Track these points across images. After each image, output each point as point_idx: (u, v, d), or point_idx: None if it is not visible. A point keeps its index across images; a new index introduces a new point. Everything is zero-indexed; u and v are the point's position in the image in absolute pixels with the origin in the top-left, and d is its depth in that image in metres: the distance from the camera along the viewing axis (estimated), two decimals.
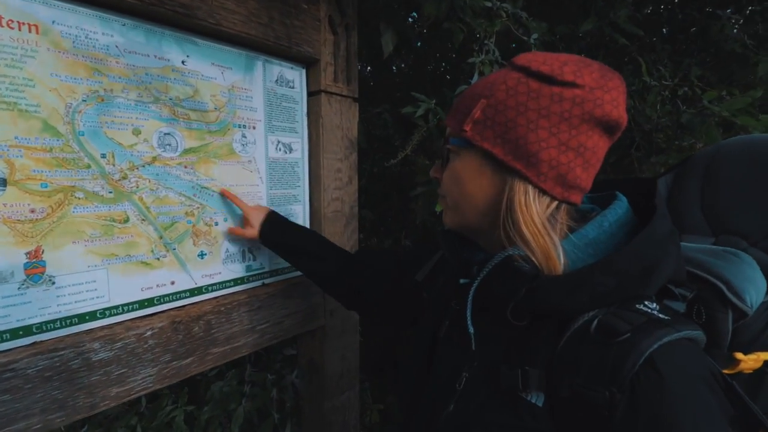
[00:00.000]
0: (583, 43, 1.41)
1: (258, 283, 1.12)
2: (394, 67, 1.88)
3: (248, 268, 1.10)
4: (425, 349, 0.63)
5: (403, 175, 2.17)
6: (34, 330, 0.76)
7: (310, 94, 1.21)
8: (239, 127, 1.05)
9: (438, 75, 1.81)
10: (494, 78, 0.51)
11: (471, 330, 0.51)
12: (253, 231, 0.99)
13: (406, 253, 0.85)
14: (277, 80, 1.12)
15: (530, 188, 0.48)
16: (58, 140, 0.76)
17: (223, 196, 1.01)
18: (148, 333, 0.86)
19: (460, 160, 0.53)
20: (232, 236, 1.04)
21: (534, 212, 0.47)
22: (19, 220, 0.73)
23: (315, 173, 1.22)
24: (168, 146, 0.92)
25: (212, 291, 1.02)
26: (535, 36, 1.06)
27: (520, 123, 0.47)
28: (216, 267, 1.03)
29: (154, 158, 0.90)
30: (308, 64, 1.19)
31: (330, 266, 0.93)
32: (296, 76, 1.17)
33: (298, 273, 1.22)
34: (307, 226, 1.24)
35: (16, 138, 0.72)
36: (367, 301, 0.88)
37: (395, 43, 1.16)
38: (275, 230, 0.99)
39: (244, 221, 1.03)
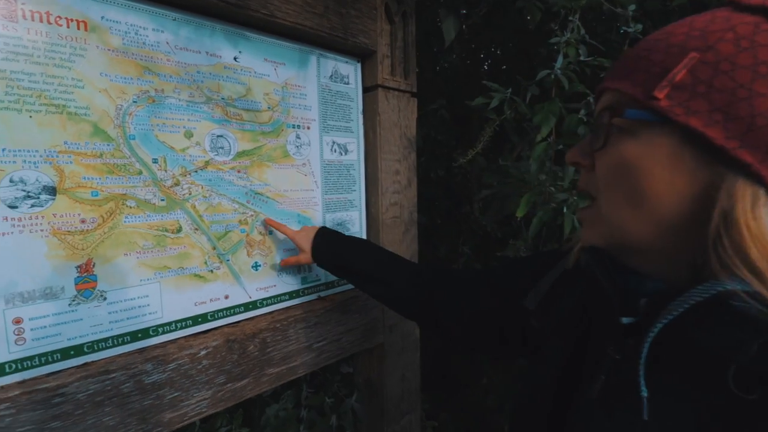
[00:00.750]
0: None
1: (313, 297, 1.03)
2: (444, 61, 1.76)
3: (303, 280, 1.01)
4: (548, 405, 0.47)
5: (457, 177, 2.03)
6: (86, 349, 0.70)
7: (365, 89, 1.11)
8: (293, 128, 0.97)
9: (502, 63, 1.66)
10: (706, 23, 0.35)
11: (644, 393, 0.35)
12: (306, 255, 0.89)
13: (503, 270, 0.69)
14: (331, 76, 1.04)
15: (763, 193, 0.31)
16: (108, 145, 0.71)
17: (268, 224, 0.93)
18: (202, 353, 0.79)
19: (637, 142, 0.36)
20: (288, 266, 0.96)
21: None
22: (69, 232, 0.67)
23: (372, 176, 1.12)
24: (221, 149, 0.85)
25: (267, 305, 0.94)
26: (632, 8, 0.90)
27: (760, 92, 0.31)
28: (271, 279, 0.95)
29: (207, 162, 0.83)
30: (363, 57, 1.10)
31: (398, 286, 0.80)
32: (351, 70, 1.08)
33: None
34: (364, 234, 1.14)
35: (65, 143, 0.67)
36: (446, 325, 0.74)
37: (458, 29, 1.03)
38: (329, 250, 0.88)
39: (297, 247, 0.93)
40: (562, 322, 0.53)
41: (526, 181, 1.01)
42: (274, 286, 0.95)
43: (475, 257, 1.75)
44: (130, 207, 0.73)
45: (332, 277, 1.07)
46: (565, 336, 0.51)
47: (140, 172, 0.74)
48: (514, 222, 1.74)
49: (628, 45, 0.98)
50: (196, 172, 0.81)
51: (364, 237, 1.14)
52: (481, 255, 1.77)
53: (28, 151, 0.63)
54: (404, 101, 1.15)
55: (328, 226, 1.04)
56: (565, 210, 0.87)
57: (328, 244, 0.89)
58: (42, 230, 0.65)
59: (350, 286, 1.11)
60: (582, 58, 0.91)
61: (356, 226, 1.12)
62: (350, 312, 1.05)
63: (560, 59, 0.90)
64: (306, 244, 0.89)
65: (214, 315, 0.86)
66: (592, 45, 0.95)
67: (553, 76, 0.93)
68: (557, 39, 0.91)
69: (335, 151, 1.06)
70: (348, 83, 1.08)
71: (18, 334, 0.64)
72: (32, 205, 0.64)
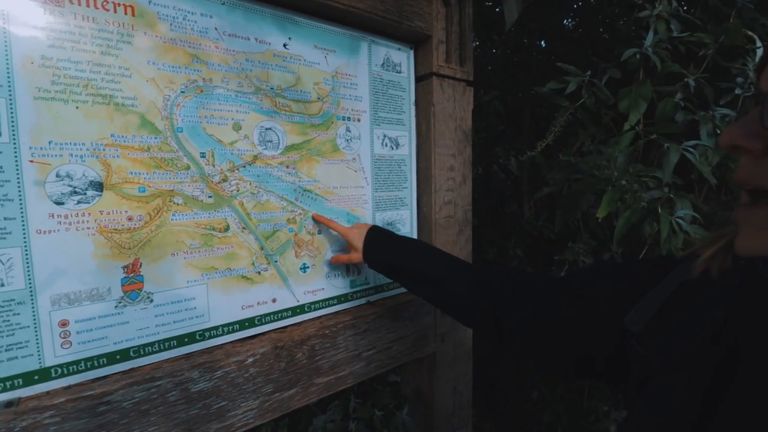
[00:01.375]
0: None
1: (362, 301, 0.97)
2: (497, 48, 1.65)
3: (352, 284, 0.94)
4: None
5: (497, 174, 1.91)
6: (132, 354, 0.66)
7: (418, 78, 1.03)
8: (343, 120, 0.90)
9: (558, 49, 1.52)
10: None
11: None
12: (358, 254, 0.83)
13: (590, 277, 0.58)
14: (383, 64, 0.96)
15: None
16: (155, 138, 0.66)
17: (316, 220, 0.87)
18: (249, 360, 0.74)
19: None
20: (338, 264, 0.91)
21: None
22: (116, 230, 0.64)
23: (424, 172, 1.03)
24: (269, 143, 0.79)
25: (315, 310, 0.88)
26: None
27: None
28: (319, 282, 0.88)
29: (255, 157, 0.78)
30: (417, 43, 1.01)
31: (456, 290, 0.71)
32: (403, 58, 1.00)
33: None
34: (415, 235, 1.06)
35: (112, 136, 0.63)
36: (512, 338, 0.64)
37: (521, 10, 0.93)
38: (382, 249, 0.82)
39: (347, 245, 0.88)
40: (682, 350, 0.43)
41: (599, 176, 0.90)
42: (323, 289, 0.89)
43: (528, 260, 1.62)
44: (178, 204, 0.69)
45: (382, 281, 1.00)
46: (691, 368, 0.41)
47: (188, 167, 0.70)
48: (572, 223, 1.61)
49: (736, 17, 0.84)
50: (244, 167, 0.76)
51: (415, 238, 1.06)
52: (534, 258, 1.65)
53: (75, 144, 0.60)
54: (460, 91, 1.05)
55: (378, 225, 0.97)
56: (659, 210, 0.74)
57: (381, 243, 0.82)
58: (88, 228, 0.61)
59: (400, 290, 1.04)
60: (674, 34, 0.79)
61: (407, 226, 1.04)
62: (401, 319, 0.98)
63: (650, 36, 0.78)
64: (358, 241, 0.83)
65: (262, 319, 0.80)
66: (687, 19, 0.82)
67: (637, 56, 0.81)
68: (647, 12, 0.78)
69: (386, 145, 0.98)
70: (400, 72, 1.00)
71: (64, 338, 0.61)
72: (79, 202, 0.61)
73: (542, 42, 1.91)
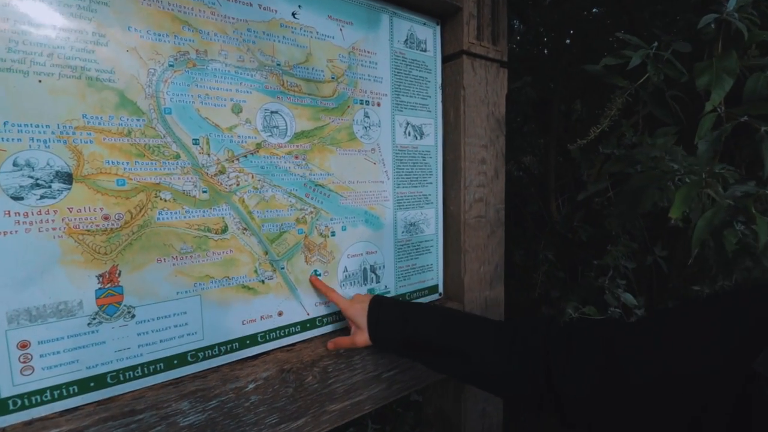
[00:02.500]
0: None
1: None
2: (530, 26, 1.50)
3: (371, 293, 0.82)
4: None
5: (514, 170, 1.77)
6: (109, 380, 0.55)
7: (446, 58, 0.90)
8: (361, 104, 0.78)
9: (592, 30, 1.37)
10: None
11: None
12: (362, 335, 0.69)
13: (688, 319, 0.44)
14: (406, 40, 0.84)
15: None
16: (138, 120, 0.55)
17: (316, 286, 0.74)
18: (251, 386, 0.62)
19: None
20: (330, 349, 0.72)
21: None
22: (89, 231, 0.52)
23: (452, 165, 0.91)
24: (275, 129, 0.67)
25: (327, 324, 0.76)
26: None
27: None
28: None
29: (259, 145, 0.66)
30: (444, 17, 0.89)
31: (494, 362, 0.57)
32: (429, 34, 0.88)
33: (433, 297, 0.92)
34: (440, 237, 0.93)
35: (83, 117, 0.51)
36: (580, 410, 0.49)
37: None
38: (391, 324, 0.67)
39: (348, 323, 0.73)
40: None
41: (660, 168, 0.76)
42: None
43: (560, 264, 1.48)
44: (165, 200, 0.58)
45: (403, 290, 0.87)
46: None
47: (177, 156, 0.58)
48: (609, 224, 1.46)
49: None
50: (245, 157, 0.64)
51: (441, 240, 0.94)
52: (566, 262, 1.51)
53: (37, 126, 0.49)
54: (493, 72, 0.92)
55: (399, 226, 0.84)
56: (753, 210, 0.60)
57: (389, 316, 0.68)
58: (55, 229, 0.50)
59: (426, 299, 0.91)
60: None
61: (431, 227, 0.91)
62: None
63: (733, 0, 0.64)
64: (361, 318, 0.69)
65: (265, 336, 0.69)
66: None
67: (711, 25, 0.67)
68: None
69: (409, 134, 0.86)
70: (425, 50, 0.87)
71: (24, 362, 0.50)
72: (42, 197, 0.49)
73: (570, 31, 1.76)
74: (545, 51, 1.94)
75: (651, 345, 0.44)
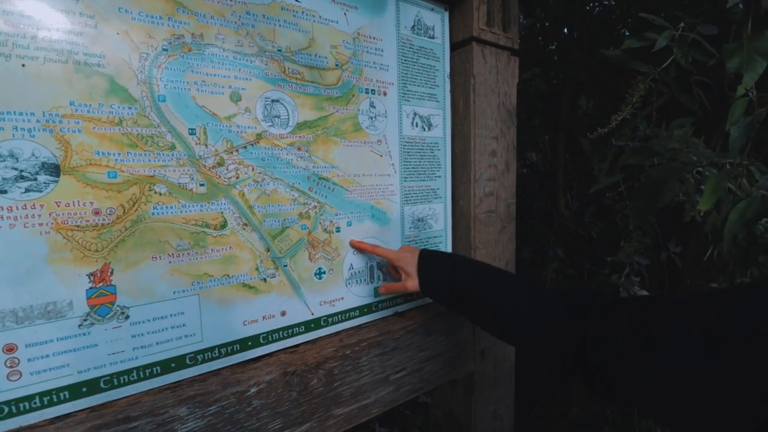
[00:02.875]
0: None
1: (389, 312, 0.81)
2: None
3: (377, 292, 0.78)
4: None
5: (551, 160, 1.73)
6: (102, 385, 0.52)
7: (454, 45, 0.86)
8: (366, 93, 0.74)
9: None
10: None
11: None
12: (412, 281, 0.70)
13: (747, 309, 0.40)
14: (413, 27, 0.80)
15: None
16: (130, 108, 0.51)
17: (357, 247, 0.75)
18: (253, 390, 0.59)
19: None
20: (382, 294, 0.77)
21: None
22: (78, 227, 0.49)
23: (462, 158, 0.87)
24: (276, 119, 0.64)
25: (333, 324, 0.73)
26: None
27: None
28: (337, 290, 0.73)
29: (259, 136, 0.62)
30: (452, 3, 0.85)
31: (537, 325, 0.55)
32: (437, 20, 0.84)
33: None
34: (449, 233, 0.90)
35: (71, 104, 0.48)
36: (612, 387, 0.46)
37: None
38: (440, 271, 0.68)
39: (391, 268, 0.77)
40: None
41: (680, 160, 0.72)
42: (342, 299, 0.74)
43: (570, 261, 1.44)
44: (160, 194, 0.54)
45: None
46: None
47: (173, 147, 0.55)
48: (620, 220, 1.42)
49: None
50: (245, 148, 0.61)
51: (450, 236, 0.90)
52: (575, 259, 1.47)
53: (21, 114, 0.45)
54: (503, 60, 0.88)
55: (406, 221, 0.81)
56: None
57: (438, 264, 0.69)
58: (41, 224, 0.47)
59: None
60: None
61: (440, 222, 0.88)
62: (435, 333, 0.82)
63: None
64: (411, 266, 0.70)
65: (268, 337, 0.65)
66: None
67: (740, 6, 0.63)
68: None
69: (417, 125, 0.82)
70: (433, 37, 0.83)
71: (11, 366, 0.47)
72: (27, 190, 0.46)
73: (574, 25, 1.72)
74: (552, 45, 1.89)
75: (704, 339, 0.40)
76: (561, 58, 1.48)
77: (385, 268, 0.79)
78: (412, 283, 0.70)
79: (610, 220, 1.38)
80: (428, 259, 0.70)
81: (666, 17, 0.76)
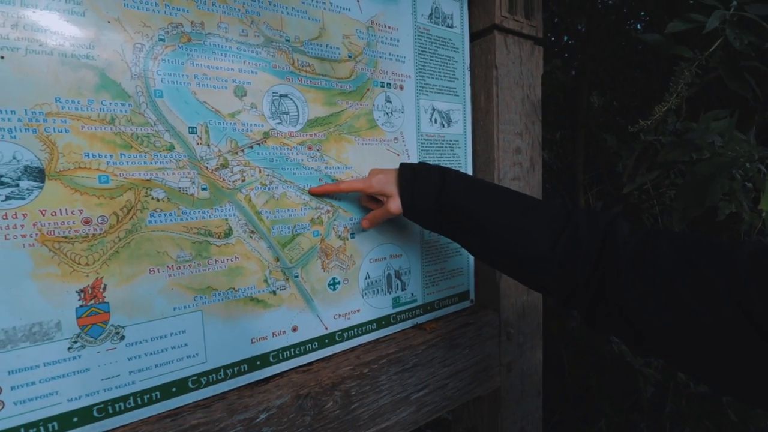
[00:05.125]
0: None
1: (408, 324, 0.75)
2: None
3: (396, 302, 0.72)
4: None
5: (566, 157, 1.66)
6: (96, 414, 0.46)
7: (474, 35, 0.80)
8: (382, 86, 0.68)
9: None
10: None
11: None
12: (395, 202, 0.59)
13: None
14: (431, 15, 0.74)
15: None
16: (123, 104, 0.46)
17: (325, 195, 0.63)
18: (262, 416, 0.53)
19: None
20: (366, 229, 0.66)
21: None
22: (66, 238, 0.44)
23: (483, 156, 0.80)
24: (285, 115, 0.58)
25: (349, 339, 0.67)
26: None
27: None
28: (353, 302, 0.67)
29: (267, 134, 0.57)
30: None
31: (544, 254, 0.48)
32: (455, 8, 0.78)
33: (463, 304, 0.82)
34: None
35: (57, 101, 0.43)
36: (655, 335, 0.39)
37: None
38: (427, 188, 0.57)
39: (366, 201, 0.65)
40: None
41: (727, 155, 0.65)
42: (358, 311, 0.68)
43: None
44: (158, 200, 0.49)
45: (431, 297, 0.77)
46: None
47: (171, 148, 0.49)
48: (648, 219, 1.34)
49: None
50: (251, 148, 0.55)
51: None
52: None
53: (0, 112, 0.40)
54: (527, 50, 0.82)
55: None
56: None
57: (425, 178, 0.58)
58: (24, 236, 0.42)
59: (458, 306, 0.81)
60: None
61: None
62: (458, 347, 0.75)
63: None
64: (388, 185, 0.60)
65: (278, 356, 0.59)
66: None
67: None
68: None
69: (435, 120, 0.76)
70: (452, 26, 0.77)
71: None
72: (8, 197, 0.41)
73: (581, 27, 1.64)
74: (568, 38, 1.82)
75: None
76: (580, 51, 1.41)
77: (405, 275, 0.73)
78: (395, 205, 0.60)
79: (637, 219, 1.30)
80: (412, 172, 0.59)
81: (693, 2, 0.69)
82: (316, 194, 0.61)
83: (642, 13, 1.79)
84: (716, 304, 0.35)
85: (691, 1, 0.63)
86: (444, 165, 0.77)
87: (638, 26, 1.87)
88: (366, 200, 0.65)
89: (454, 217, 0.56)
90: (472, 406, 0.88)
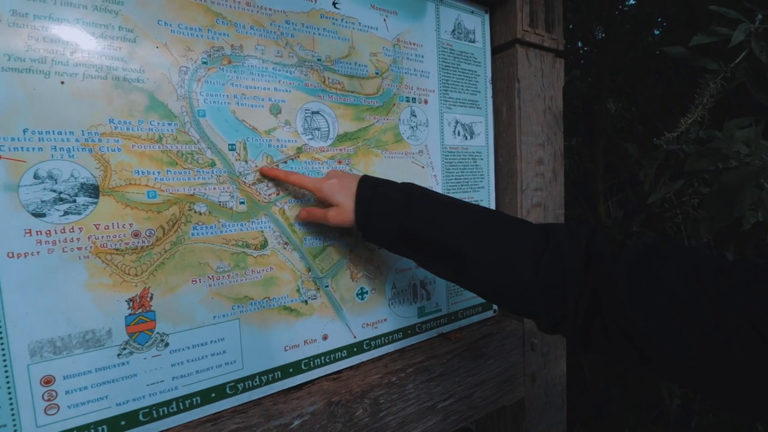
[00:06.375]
0: None
1: (432, 334, 0.76)
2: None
3: (421, 311, 0.74)
4: None
5: (583, 165, 1.65)
6: (141, 418, 0.49)
7: (496, 49, 0.82)
8: (407, 101, 0.70)
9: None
10: None
11: None
12: (342, 212, 0.53)
13: None
14: (454, 31, 0.76)
15: None
16: (169, 124, 0.49)
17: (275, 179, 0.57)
18: (296, 422, 0.55)
19: None
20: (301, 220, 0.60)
21: None
22: (117, 250, 0.46)
23: (505, 167, 0.82)
24: (316, 131, 0.61)
25: (376, 348, 0.68)
26: None
27: None
28: (380, 311, 0.68)
29: (299, 149, 0.59)
30: (493, 4, 0.80)
31: (518, 278, 0.45)
32: (477, 24, 0.80)
33: (487, 314, 0.83)
34: None
35: (110, 122, 0.46)
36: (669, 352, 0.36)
37: None
38: (391, 211, 0.51)
39: (318, 200, 0.58)
40: None
41: (755, 164, 0.65)
42: (385, 320, 0.69)
43: None
44: (200, 213, 0.51)
45: (455, 307, 0.78)
46: None
47: (213, 164, 0.52)
48: (670, 228, 1.33)
49: None
50: (285, 162, 0.58)
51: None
52: None
53: (60, 133, 0.43)
54: (548, 63, 0.83)
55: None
56: None
57: (386, 198, 0.52)
58: (80, 249, 0.44)
59: (479, 317, 0.82)
60: None
61: None
62: (483, 356, 0.76)
63: None
64: (341, 195, 0.53)
65: (309, 363, 0.61)
66: None
67: None
68: None
69: (459, 133, 0.77)
70: (474, 41, 0.79)
71: (49, 399, 0.44)
72: (66, 212, 0.44)
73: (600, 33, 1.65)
74: (581, 45, 1.82)
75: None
76: (598, 60, 1.41)
77: (429, 285, 0.74)
78: (341, 216, 0.53)
79: (660, 229, 1.29)
80: (370, 190, 0.53)
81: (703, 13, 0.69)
82: (265, 175, 0.55)
83: (659, 19, 1.78)
84: (724, 319, 0.33)
85: (711, 7, 0.63)
86: (467, 176, 0.78)
87: (656, 32, 1.87)
88: (318, 200, 0.57)
89: (421, 245, 0.51)
90: (496, 417, 0.89)
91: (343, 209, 0.53)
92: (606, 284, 0.39)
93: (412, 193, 0.53)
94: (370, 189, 0.53)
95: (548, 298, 0.44)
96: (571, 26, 1.68)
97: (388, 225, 0.52)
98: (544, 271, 0.44)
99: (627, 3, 1.69)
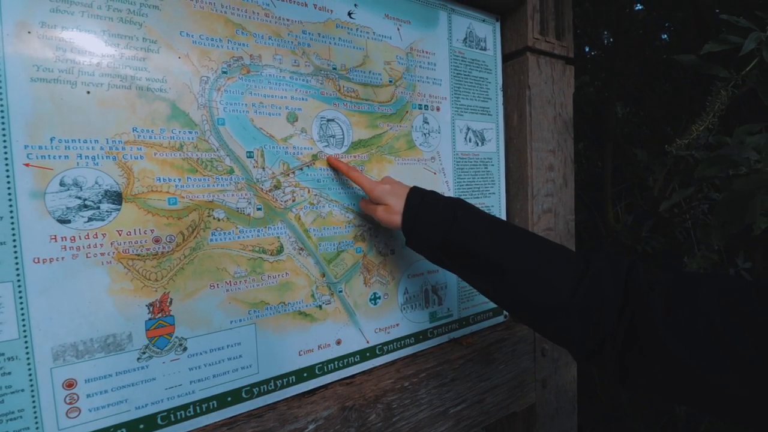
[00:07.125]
0: None
1: (444, 339, 0.76)
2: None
3: (433, 316, 0.74)
4: None
5: (590, 170, 1.65)
6: (159, 421, 0.49)
7: (507, 57, 0.82)
8: (420, 108, 0.71)
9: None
10: None
11: None
12: (391, 214, 0.56)
13: None
14: (465, 39, 0.77)
15: None
16: (190, 132, 0.50)
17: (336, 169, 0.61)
18: (311, 427, 0.55)
19: None
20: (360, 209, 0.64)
21: None
22: (138, 255, 0.47)
23: (517, 173, 0.82)
24: (332, 138, 0.62)
25: (388, 352, 0.69)
26: None
27: None
28: (393, 316, 0.69)
29: (315, 157, 0.60)
30: (504, 13, 0.81)
31: (556, 294, 0.45)
32: (488, 32, 0.80)
33: (497, 319, 0.83)
34: None
35: (134, 130, 0.47)
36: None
37: None
38: (437, 220, 0.53)
39: (364, 201, 0.63)
40: None
41: (762, 171, 0.65)
42: (397, 325, 0.70)
43: None
44: (218, 219, 0.52)
45: (466, 312, 0.79)
46: None
47: (231, 171, 0.53)
48: (680, 233, 1.32)
49: None
50: (301, 170, 0.59)
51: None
52: None
53: (85, 142, 0.44)
54: (559, 70, 0.84)
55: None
56: None
57: (433, 207, 0.54)
58: (103, 254, 0.45)
59: (490, 322, 0.82)
60: None
61: None
62: (494, 362, 0.76)
63: None
64: (393, 198, 0.57)
65: (323, 368, 0.62)
66: None
67: None
68: None
69: (470, 140, 0.78)
70: (485, 49, 0.80)
71: (70, 403, 0.45)
72: (90, 219, 0.45)
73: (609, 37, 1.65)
74: (588, 50, 1.83)
75: None
76: (606, 65, 1.42)
77: (441, 290, 0.75)
78: (388, 215, 0.56)
79: (669, 234, 1.29)
80: (419, 198, 0.55)
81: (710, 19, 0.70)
82: (330, 164, 0.60)
83: (667, 24, 1.79)
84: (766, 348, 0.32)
85: (722, 16, 0.63)
86: (478, 182, 0.79)
87: (664, 37, 1.87)
88: (365, 201, 0.62)
89: (462, 257, 0.53)
90: (506, 423, 0.88)
91: (392, 210, 0.57)
92: (643, 314, 0.39)
93: (457, 206, 0.55)
94: (419, 198, 0.56)
95: (584, 322, 0.43)
96: (578, 31, 1.68)
97: (432, 233, 0.54)
98: (583, 295, 0.44)
99: (635, 8, 1.70)
